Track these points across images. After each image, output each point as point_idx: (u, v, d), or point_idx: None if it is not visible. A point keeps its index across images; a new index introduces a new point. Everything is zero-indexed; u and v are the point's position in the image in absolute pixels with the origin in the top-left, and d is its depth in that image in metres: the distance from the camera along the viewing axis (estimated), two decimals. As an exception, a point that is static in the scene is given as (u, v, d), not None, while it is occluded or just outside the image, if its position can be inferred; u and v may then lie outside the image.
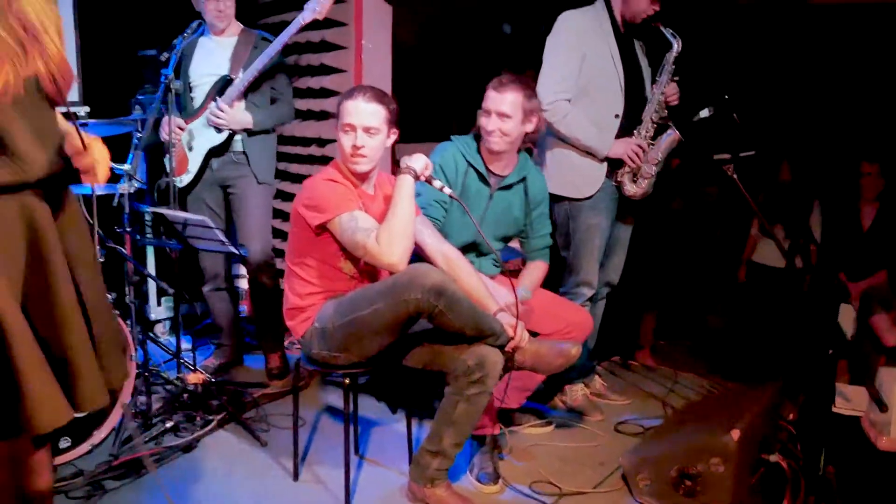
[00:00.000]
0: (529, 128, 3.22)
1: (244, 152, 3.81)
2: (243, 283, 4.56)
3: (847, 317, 4.08)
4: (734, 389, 3.86)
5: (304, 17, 3.60)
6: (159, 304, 4.66)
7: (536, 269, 3.44)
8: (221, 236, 3.21)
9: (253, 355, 4.34)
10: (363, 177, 2.89)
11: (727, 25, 4.37)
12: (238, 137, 3.80)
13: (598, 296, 3.84)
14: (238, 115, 3.73)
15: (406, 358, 2.87)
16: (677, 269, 4.74)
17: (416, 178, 2.79)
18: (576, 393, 3.83)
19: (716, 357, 4.60)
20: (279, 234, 4.38)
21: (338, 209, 2.73)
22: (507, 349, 2.81)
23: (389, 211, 2.73)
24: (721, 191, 5.00)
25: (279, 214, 4.28)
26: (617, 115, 3.60)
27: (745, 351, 4.54)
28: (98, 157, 2.00)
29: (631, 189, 3.65)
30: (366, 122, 2.78)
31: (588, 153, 3.58)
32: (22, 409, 1.74)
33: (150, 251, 4.48)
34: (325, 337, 2.78)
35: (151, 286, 4.60)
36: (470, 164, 3.25)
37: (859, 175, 4.34)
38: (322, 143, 4.18)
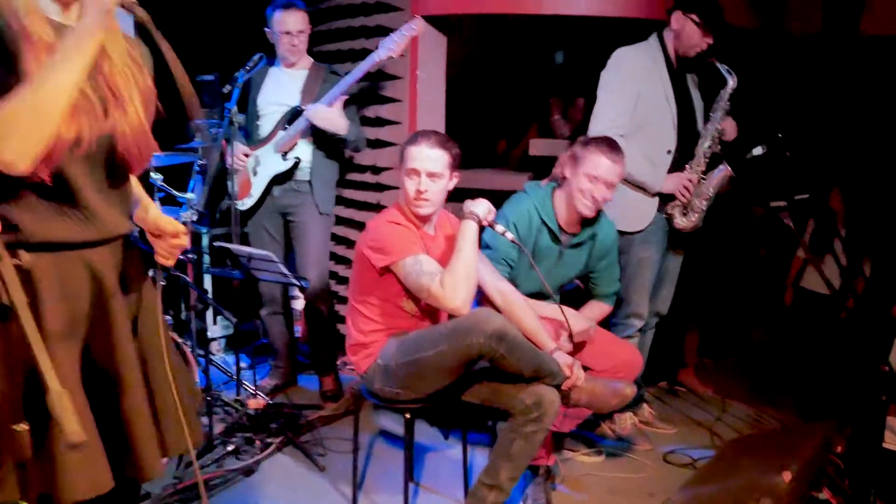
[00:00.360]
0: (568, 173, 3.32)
1: (308, 181, 3.91)
2: (297, 304, 4.66)
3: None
4: (786, 426, 3.89)
5: (380, 54, 3.69)
6: (215, 322, 4.79)
7: (598, 308, 3.53)
8: (285, 270, 3.32)
9: (306, 375, 4.46)
10: (426, 219, 2.98)
11: (780, 58, 4.39)
12: (303, 166, 3.90)
13: (648, 326, 3.90)
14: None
15: (465, 393, 2.95)
16: (721, 287, 4.76)
17: (480, 223, 2.87)
18: (625, 421, 3.89)
19: (761, 377, 4.62)
20: (334, 258, 4.48)
21: (402, 252, 2.82)
22: (563, 387, 2.89)
23: (453, 256, 2.82)
24: (766, 210, 5.01)
25: (334, 238, 4.38)
26: (669, 151, 3.65)
27: (792, 376, 4.56)
28: (176, 244, 2.01)
29: (681, 222, 3.71)
30: (429, 167, 2.87)
31: (640, 188, 3.64)
32: (54, 473, 1.69)
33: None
34: (388, 374, 2.88)
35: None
36: (544, 222, 3.32)
37: None
38: (376, 170, 4.27)
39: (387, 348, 2.91)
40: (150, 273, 2.08)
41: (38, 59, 1.58)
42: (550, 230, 3.32)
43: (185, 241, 2.00)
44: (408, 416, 2.96)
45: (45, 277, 1.68)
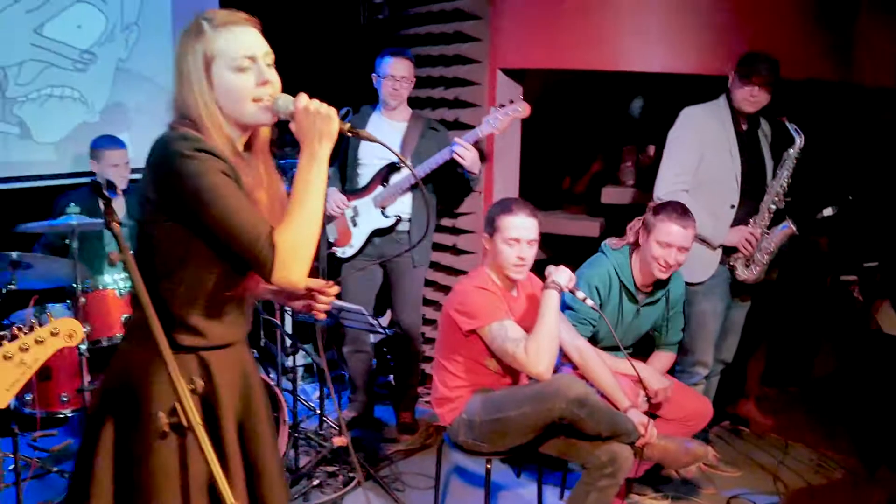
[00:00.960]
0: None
1: (408, 232, 4.09)
2: (373, 337, 4.88)
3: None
4: (848, 479, 3.99)
5: (483, 129, 3.85)
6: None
7: (665, 358, 3.70)
8: (373, 321, 3.53)
9: (381, 405, 4.67)
10: (515, 282, 3.16)
11: (854, 110, 4.47)
12: (404, 219, 4.07)
13: (713, 373, 4.03)
14: (477, 156, 3.94)
15: (542, 446, 3.13)
16: (785, 318, 4.80)
17: (561, 291, 3.04)
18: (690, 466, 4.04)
19: (825, 410, 4.69)
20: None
21: (489, 318, 3.01)
22: (636, 445, 3.06)
23: (537, 323, 2.98)
24: (831, 241, 5.05)
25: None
26: (733, 206, 3.79)
27: (856, 412, 4.61)
28: (332, 294, 2.18)
29: (743, 274, 3.84)
30: (530, 235, 3.06)
31: (703, 241, 3.78)
32: None
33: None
34: (472, 428, 3.07)
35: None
36: (622, 284, 3.50)
37: None
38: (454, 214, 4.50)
39: (472, 404, 3.11)
40: None
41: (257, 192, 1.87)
42: (628, 290, 3.49)
43: (336, 289, 2.17)
44: (489, 465, 3.15)
45: (220, 372, 1.92)
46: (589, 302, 3.08)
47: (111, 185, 1.59)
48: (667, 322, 3.66)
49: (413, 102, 4.53)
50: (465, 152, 3.85)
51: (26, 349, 1.82)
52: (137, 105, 4.65)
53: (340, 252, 4.13)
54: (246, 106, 1.87)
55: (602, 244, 3.62)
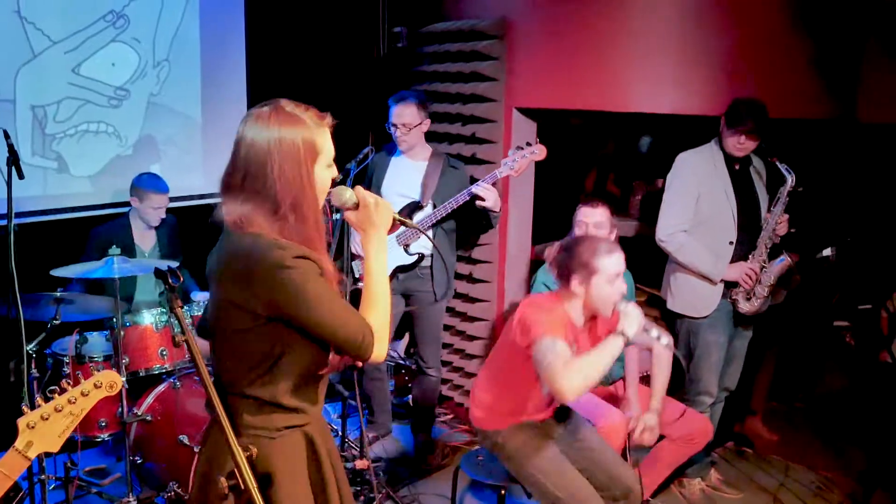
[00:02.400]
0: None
1: (430, 267, 4.26)
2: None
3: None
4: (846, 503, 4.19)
5: (502, 171, 4.01)
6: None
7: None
8: (394, 353, 3.74)
9: (398, 425, 4.88)
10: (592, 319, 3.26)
11: (851, 148, 4.64)
12: (426, 255, 4.23)
13: (717, 400, 4.23)
14: (497, 195, 4.09)
15: None
16: (792, 333, 4.95)
17: (627, 343, 2.98)
18: (693, 487, 4.24)
19: (830, 426, 4.86)
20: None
21: (545, 331, 2.95)
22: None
23: (590, 353, 2.95)
24: (838, 256, 5.18)
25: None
26: (731, 242, 3.98)
27: (861, 430, 4.79)
28: None
29: (745, 307, 4.03)
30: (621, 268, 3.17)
31: (705, 277, 3.98)
32: None
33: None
34: (506, 460, 3.26)
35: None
36: None
37: None
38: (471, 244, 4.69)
39: (514, 441, 3.23)
40: None
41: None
42: None
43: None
44: (503, 492, 3.36)
45: (321, 444, 2.12)
46: (664, 340, 3.06)
47: (174, 273, 1.74)
48: None
49: (432, 136, 4.72)
50: (486, 193, 4.02)
51: (74, 402, 2.10)
52: (167, 137, 4.87)
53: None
54: (322, 199, 2.07)
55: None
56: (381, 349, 2.06)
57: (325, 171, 2.05)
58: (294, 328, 1.97)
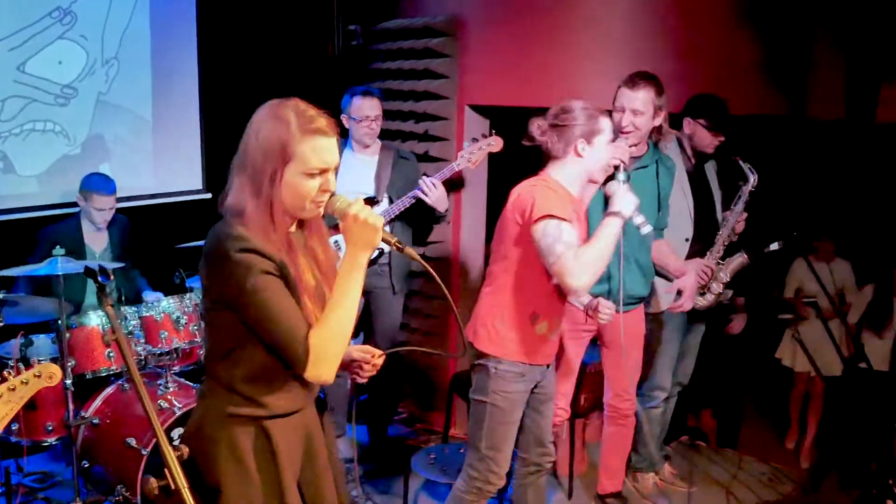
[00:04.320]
0: (658, 122, 3.51)
1: (388, 263, 4.25)
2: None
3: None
4: (796, 493, 4.24)
5: (459, 164, 4.04)
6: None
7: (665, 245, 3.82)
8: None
9: (355, 424, 4.85)
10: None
11: (804, 144, 4.71)
12: (385, 251, 4.21)
13: (671, 395, 4.26)
14: (444, 194, 4.09)
15: None
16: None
17: (625, 220, 2.94)
18: (646, 481, 4.27)
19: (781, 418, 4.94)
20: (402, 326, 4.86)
21: (550, 212, 2.84)
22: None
23: (593, 242, 2.87)
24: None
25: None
26: (687, 239, 4.01)
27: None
28: (376, 365, 2.32)
29: (699, 302, 4.05)
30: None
31: (661, 273, 3.99)
32: None
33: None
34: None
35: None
36: None
37: None
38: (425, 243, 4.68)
39: (501, 384, 3.06)
40: None
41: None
42: None
43: (382, 359, 2.31)
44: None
45: (280, 439, 2.10)
46: (646, 228, 3.05)
47: (104, 272, 1.71)
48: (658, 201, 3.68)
49: (385, 135, 4.71)
50: (430, 191, 4.03)
51: (13, 389, 2.10)
52: (116, 136, 4.80)
53: None
54: (304, 205, 2.05)
55: None
56: (322, 370, 1.97)
57: (300, 178, 2.02)
58: (242, 321, 2.00)
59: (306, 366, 1.95)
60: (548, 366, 3.22)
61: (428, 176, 4.09)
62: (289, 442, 2.14)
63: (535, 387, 3.18)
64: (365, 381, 2.32)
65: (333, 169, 2.06)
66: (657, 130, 3.60)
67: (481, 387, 3.10)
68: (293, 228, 2.13)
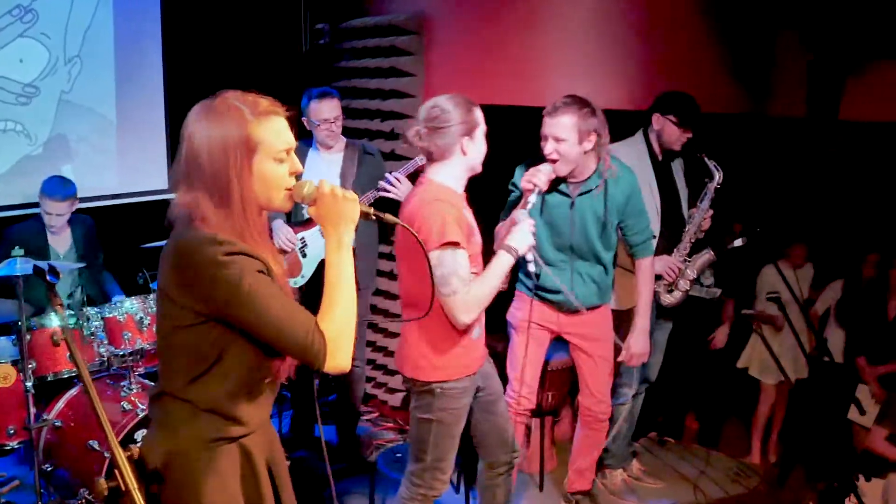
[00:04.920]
0: (588, 146, 3.38)
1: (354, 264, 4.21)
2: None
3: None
4: (763, 487, 4.27)
5: (421, 158, 3.96)
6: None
7: (645, 267, 3.75)
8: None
9: (323, 425, 4.83)
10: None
11: (765, 141, 4.74)
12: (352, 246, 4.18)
13: (638, 392, 4.26)
14: (408, 187, 4.00)
15: None
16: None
17: (517, 258, 2.94)
18: (615, 477, 4.28)
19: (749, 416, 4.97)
20: (371, 326, 4.88)
21: (444, 238, 2.79)
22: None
23: (484, 278, 2.88)
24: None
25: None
26: (654, 236, 4.01)
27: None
28: None
29: (667, 300, 4.07)
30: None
31: (628, 269, 4.00)
32: None
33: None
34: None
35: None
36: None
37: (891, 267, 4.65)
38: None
39: (445, 402, 2.98)
40: None
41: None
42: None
43: None
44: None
45: (259, 457, 2.05)
46: (535, 268, 3.08)
47: (53, 271, 1.68)
48: (623, 218, 3.63)
49: (351, 133, 4.70)
50: (396, 185, 4.01)
51: None
52: (79, 136, 4.74)
53: (292, 282, 4.27)
54: (278, 194, 1.97)
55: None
56: (340, 359, 1.91)
57: (270, 164, 1.95)
58: (235, 329, 1.89)
59: (325, 358, 1.88)
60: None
61: (391, 172, 4.08)
62: (262, 457, 2.08)
63: (479, 392, 3.12)
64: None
65: (294, 150, 2.00)
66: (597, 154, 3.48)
67: (426, 405, 3.00)
68: None
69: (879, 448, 3.76)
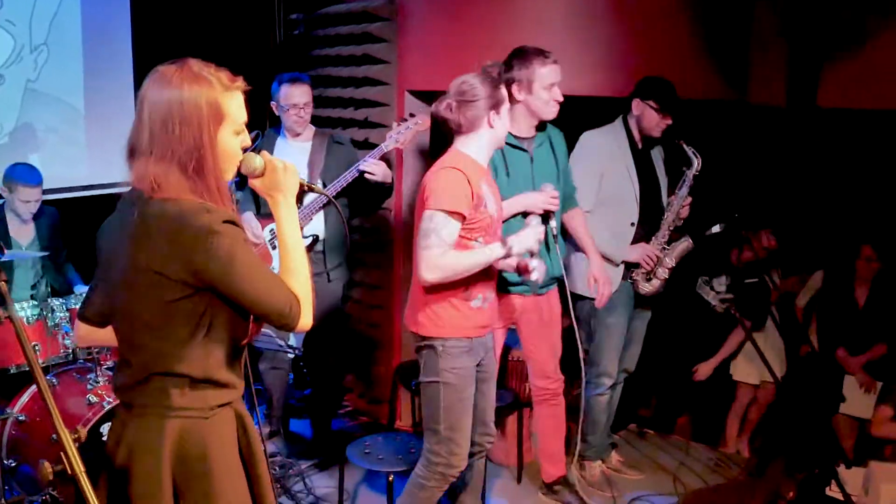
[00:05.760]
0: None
1: (322, 252, 4.14)
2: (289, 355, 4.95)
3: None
4: (740, 479, 4.24)
5: (388, 145, 3.95)
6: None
7: (580, 216, 3.86)
8: (281, 342, 3.62)
9: (298, 419, 4.75)
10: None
11: (743, 129, 4.71)
12: (320, 238, 4.12)
13: (617, 382, 4.21)
14: (386, 168, 4.05)
15: None
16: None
17: (507, 255, 2.99)
18: (593, 469, 4.22)
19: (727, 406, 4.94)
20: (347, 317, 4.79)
21: (443, 204, 2.91)
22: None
23: (466, 257, 2.95)
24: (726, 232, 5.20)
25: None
26: (633, 223, 3.97)
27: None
28: None
29: (645, 288, 4.02)
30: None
31: (606, 257, 3.96)
32: None
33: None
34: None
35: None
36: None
37: (857, 257, 4.65)
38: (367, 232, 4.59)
39: (450, 360, 3.04)
40: None
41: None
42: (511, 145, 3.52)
43: None
44: (391, 478, 3.28)
45: (247, 417, 2.07)
46: (535, 276, 3.07)
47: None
48: (558, 172, 3.72)
49: (324, 122, 4.63)
50: (374, 168, 3.96)
51: None
52: (47, 126, 4.65)
53: None
54: (232, 167, 1.99)
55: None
56: (307, 317, 2.00)
57: (231, 137, 1.96)
58: (221, 297, 1.90)
59: (300, 317, 1.97)
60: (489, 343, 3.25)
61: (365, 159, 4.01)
62: (250, 419, 2.10)
63: (478, 365, 3.16)
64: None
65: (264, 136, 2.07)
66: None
67: (431, 367, 3.08)
68: None
69: (885, 431, 3.74)
